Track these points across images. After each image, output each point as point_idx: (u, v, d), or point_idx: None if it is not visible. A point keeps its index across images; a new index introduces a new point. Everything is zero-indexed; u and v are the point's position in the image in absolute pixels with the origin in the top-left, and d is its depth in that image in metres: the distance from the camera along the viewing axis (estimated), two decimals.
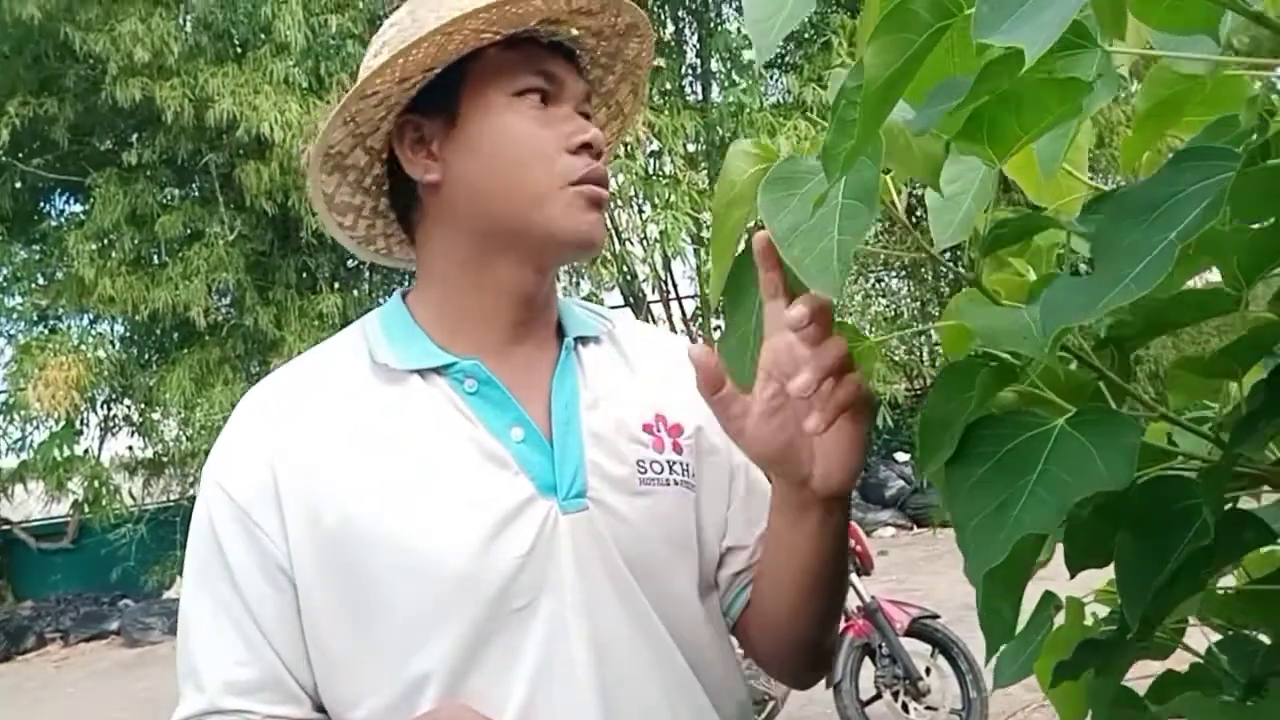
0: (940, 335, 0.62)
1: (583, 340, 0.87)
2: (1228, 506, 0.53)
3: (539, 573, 0.76)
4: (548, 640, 0.75)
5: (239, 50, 7.51)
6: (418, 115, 0.83)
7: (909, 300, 10.28)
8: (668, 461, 0.84)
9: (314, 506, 0.76)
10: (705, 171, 8.15)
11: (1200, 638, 0.67)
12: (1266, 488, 0.54)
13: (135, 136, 7.97)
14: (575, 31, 0.84)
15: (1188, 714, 0.48)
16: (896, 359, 8.64)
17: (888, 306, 9.99)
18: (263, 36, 7.24)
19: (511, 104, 0.82)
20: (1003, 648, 0.72)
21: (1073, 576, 0.59)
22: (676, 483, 0.83)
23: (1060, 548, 0.57)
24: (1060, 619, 0.71)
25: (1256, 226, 0.45)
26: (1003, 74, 0.42)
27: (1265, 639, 0.64)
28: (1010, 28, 0.33)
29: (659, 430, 0.85)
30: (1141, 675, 0.68)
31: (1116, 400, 0.56)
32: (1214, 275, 0.54)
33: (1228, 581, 0.70)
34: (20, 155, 7.94)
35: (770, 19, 0.40)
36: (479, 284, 0.83)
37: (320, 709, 0.78)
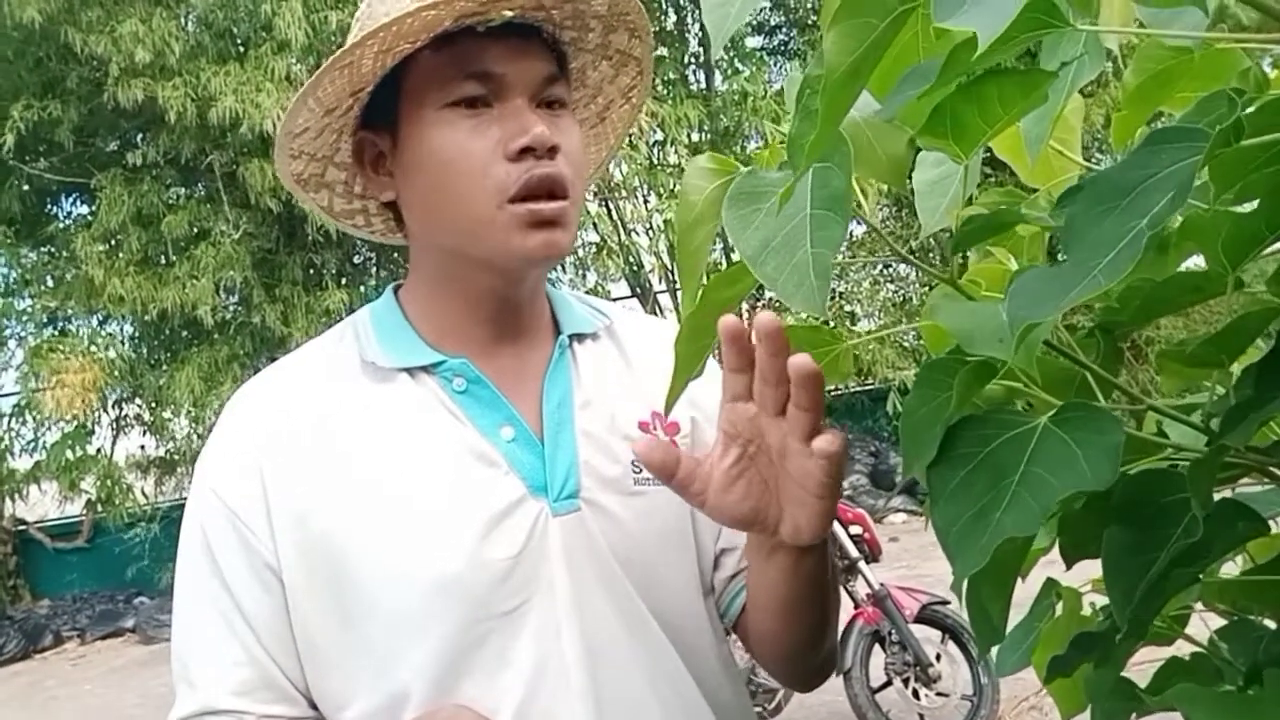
0: (922, 333, 0.60)
1: (578, 337, 0.86)
2: (1220, 496, 0.51)
3: (529, 575, 0.75)
4: (539, 644, 0.74)
5: (240, 49, 7.50)
6: (371, 132, 0.81)
7: (917, 286, 10.23)
8: None
9: (302, 509, 0.75)
10: None
11: (1214, 622, 0.66)
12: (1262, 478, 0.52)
13: (139, 137, 7.97)
14: (508, 13, 0.75)
15: (1181, 706, 0.46)
16: (906, 345, 8.59)
17: (896, 292, 9.93)
18: (264, 34, 7.22)
19: (442, 117, 0.77)
20: (1008, 634, 0.71)
21: (1069, 568, 0.58)
22: None
23: None
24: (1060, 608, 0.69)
25: (1239, 210, 0.44)
26: (970, 58, 0.40)
27: (1270, 624, 0.63)
28: (968, 10, 0.31)
29: (655, 429, 0.83)
30: (1148, 660, 0.66)
31: (1104, 391, 0.54)
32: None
33: (1231, 568, 0.68)
34: (26, 158, 7.95)
35: (724, 6, 0.38)
36: (452, 292, 0.82)
37: (316, 708, 0.77)
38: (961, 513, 0.47)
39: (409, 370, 0.80)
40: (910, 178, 0.59)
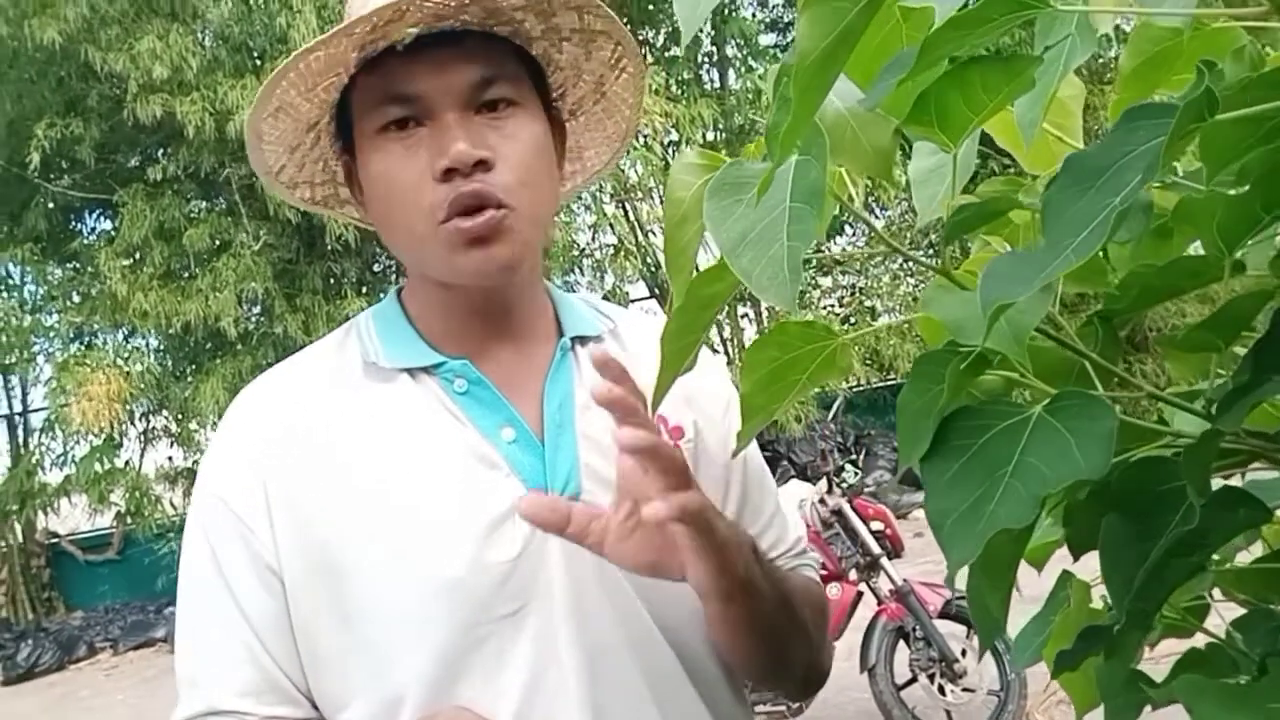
0: (918, 326, 0.60)
1: (581, 340, 0.85)
2: (1222, 484, 0.50)
3: (528, 578, 0.75)
4: (537, 648, 0.74)
5: (257, 62, 7.57)
6: (348, 154, 0.82)
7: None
8: None
9: (303, 512, 0.76)
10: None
11: (1236, 613, 0.65)
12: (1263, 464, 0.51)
13: (159, 152, 8.06)
14: (412, 30, 0.73)
15: (1184, 698, 0.45)
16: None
17: (916, 286, 9.85)
18: (279, 46, 7.28)
19: (377, 142, 0.77)
20: (1023, 627, 0.70)
21: (1076, 559, 0.57)
22: None
23: None
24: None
25: (1233, 192, 0.43)
26: (950, 42, 0.39)
27: None
28: None
29: (660, 434, 0.83)
30: (1173, 653, 0.65)
31: (1103, 379, 0.53)
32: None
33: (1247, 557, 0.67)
34: (50, 176, 8.07)
35: None
36: (438, 296, 0.82)
37: (318, 709, 0.77)
38: (956, 505, 0.46)
39: (410, 371, 0.80)
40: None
